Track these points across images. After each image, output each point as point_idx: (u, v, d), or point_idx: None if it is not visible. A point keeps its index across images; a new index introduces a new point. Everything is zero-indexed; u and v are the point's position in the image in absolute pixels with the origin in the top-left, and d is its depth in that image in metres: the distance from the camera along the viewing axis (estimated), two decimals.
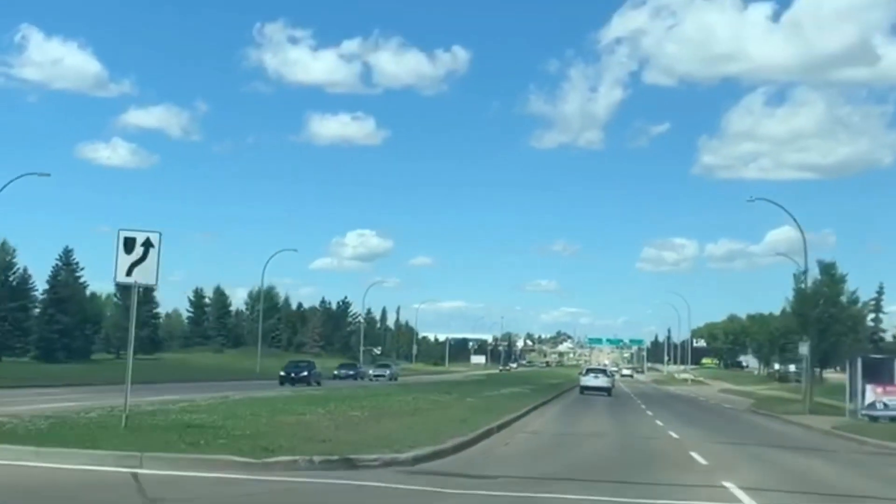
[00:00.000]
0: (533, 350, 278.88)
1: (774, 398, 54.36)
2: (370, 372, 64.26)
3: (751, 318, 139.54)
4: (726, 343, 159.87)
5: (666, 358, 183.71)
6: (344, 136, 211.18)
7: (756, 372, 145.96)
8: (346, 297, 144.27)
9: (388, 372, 63.87)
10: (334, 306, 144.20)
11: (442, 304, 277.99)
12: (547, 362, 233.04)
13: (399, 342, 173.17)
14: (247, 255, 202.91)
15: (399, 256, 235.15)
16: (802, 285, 44.97)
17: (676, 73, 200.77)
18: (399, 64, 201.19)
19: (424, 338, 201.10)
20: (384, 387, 46.09)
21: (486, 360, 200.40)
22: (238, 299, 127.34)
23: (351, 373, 61.73)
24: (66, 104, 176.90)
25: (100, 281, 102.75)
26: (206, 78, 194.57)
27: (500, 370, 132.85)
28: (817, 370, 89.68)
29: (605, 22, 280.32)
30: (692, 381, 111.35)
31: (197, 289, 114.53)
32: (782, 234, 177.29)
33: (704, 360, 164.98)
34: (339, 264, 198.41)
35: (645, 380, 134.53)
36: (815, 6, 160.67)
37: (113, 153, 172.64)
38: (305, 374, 50.68)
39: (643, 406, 42.15)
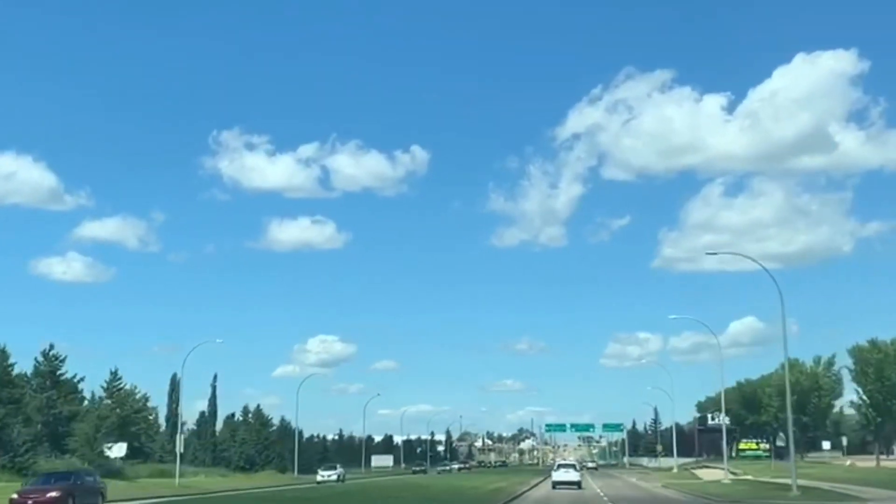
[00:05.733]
0: (492, 450, 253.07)
1: None
2: None
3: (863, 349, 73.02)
4: (783, 410, 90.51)
5: (659, 448, 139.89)
6: (304, 241, 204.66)
7: (848, 459, 78.41)
8: (115, 370, 78.55)
9: None
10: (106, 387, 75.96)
11: (408, 409, 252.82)
12: (466, 465, 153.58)
13: (237, 439, 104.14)
14: (202, 366, 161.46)
15: (362, 361, 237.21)
16: None
17: (634, 167, 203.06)
18: (357, 166, 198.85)
19: (305, 436, 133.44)
20: None
21: (400, 461, 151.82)
22: None
23: None
24: (20, 218, 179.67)
25: None
26: (163, 187, 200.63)
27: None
28: None
29: (562, 119, 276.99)
30: (800, 489, 41.60)
31: None
32: (745, 324, 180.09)
33: (744, 445, 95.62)
34: (302, 371, 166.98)
35: (648, 486, 63.49)
36: (769, 95, 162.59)
37: (68, 267, 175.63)
38: None
39: None
